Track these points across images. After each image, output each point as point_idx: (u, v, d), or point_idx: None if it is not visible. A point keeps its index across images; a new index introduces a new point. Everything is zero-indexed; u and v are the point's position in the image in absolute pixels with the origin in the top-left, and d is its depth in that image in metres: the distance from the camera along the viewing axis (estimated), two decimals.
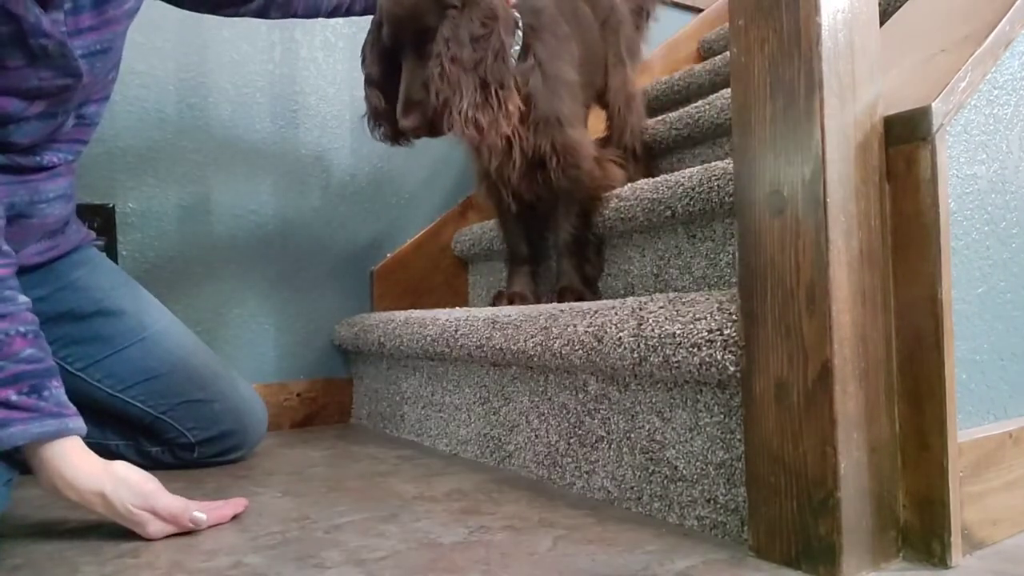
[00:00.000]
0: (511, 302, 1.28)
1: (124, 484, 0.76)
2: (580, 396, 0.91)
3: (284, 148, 1.54)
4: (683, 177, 1.06)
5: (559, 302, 1.11)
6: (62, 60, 0.85)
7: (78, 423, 0.77)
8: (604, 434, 0.87)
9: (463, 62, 1.00)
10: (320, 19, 1.59)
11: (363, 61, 1.15)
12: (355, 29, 1.64)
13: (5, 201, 0.86)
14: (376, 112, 1.12)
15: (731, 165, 0.97)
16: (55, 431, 0.74)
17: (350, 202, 1.60)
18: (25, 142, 0.90)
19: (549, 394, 0.96)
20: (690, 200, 1.04)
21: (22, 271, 0.82)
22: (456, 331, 1.10)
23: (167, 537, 0.78)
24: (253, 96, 1.51)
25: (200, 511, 0.79)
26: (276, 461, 1.16)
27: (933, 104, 0.64)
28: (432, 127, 1.03)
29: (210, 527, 0.80)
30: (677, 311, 0.76)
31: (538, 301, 1.29)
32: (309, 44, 1.58)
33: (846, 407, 0.61)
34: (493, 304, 1.30)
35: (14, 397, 0.73)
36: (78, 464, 0.75)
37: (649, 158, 1.50)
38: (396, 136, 1.12)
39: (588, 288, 1.22)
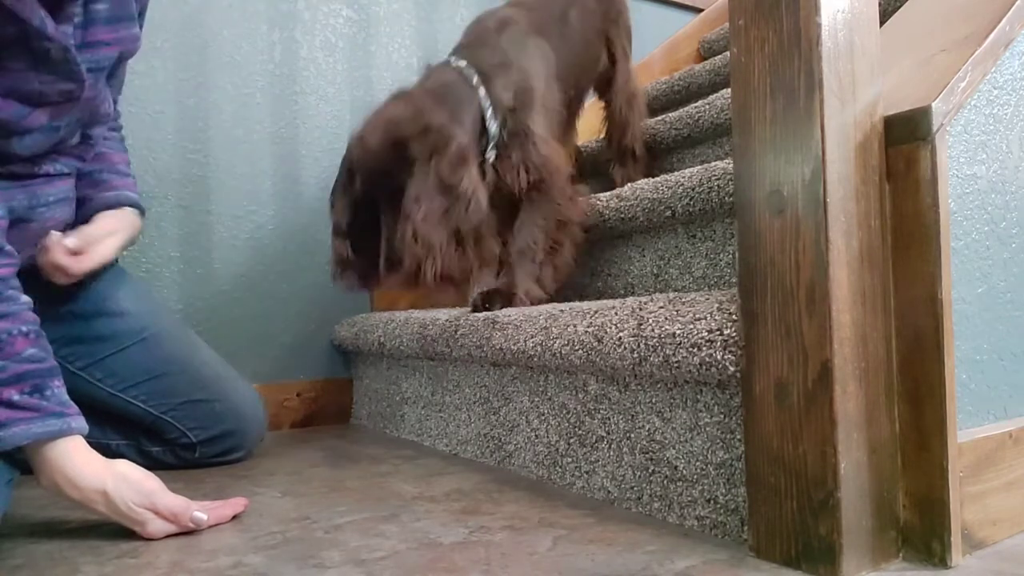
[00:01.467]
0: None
1: (126, 482, 0.76)
2: (580, 396, 0.91)
3: (284, 148, 1.54)
4: (683, 177, 1.06)
5: (486, 298, 1.10)
6: (64, 65, 0.85)
7: (80, 422, 0.77)
8: (604, 434, 0.87)
9: (433, 218, 0.95)
10: (320, 19, 1.60)
11: (331, 207, 1.07)
12: (355, 29, 1.65)
13: (4, 205, 0.86)
14: (342, 261, 1.04)
15: (731, 165, 0.97)
16: (57, 430, 0.74)
17: None
18: (25, 155, 0.90)
19: (549, 394, 0.96)
20: (690, 200, 1.04)
21: (23, 271, 0.82)
22: (456, 331, 1.10)
23: (167, 537, 0.78)
24: (253, 96, 1.51)
25: (201, 511, 0.79)
26: (276, 461, 1.16)
27: (933, 104, 0.64)
28: (409, 284, 0.98)
29: (210, 527, 0.80)
30: (677, 311, 0.76)
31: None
32: (309, 44, 1.58)
33: (846, 407, 0.61)
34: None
35: (16, 397, 0.73)
36: (80, 463, 0.75)
37: (650, 159, 1.48)
38: (364, 286, 1.05)
39: (528, 301, 1.12)
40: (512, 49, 1.16)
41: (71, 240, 0.99)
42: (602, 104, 1.48)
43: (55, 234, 0.97)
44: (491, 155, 1.11)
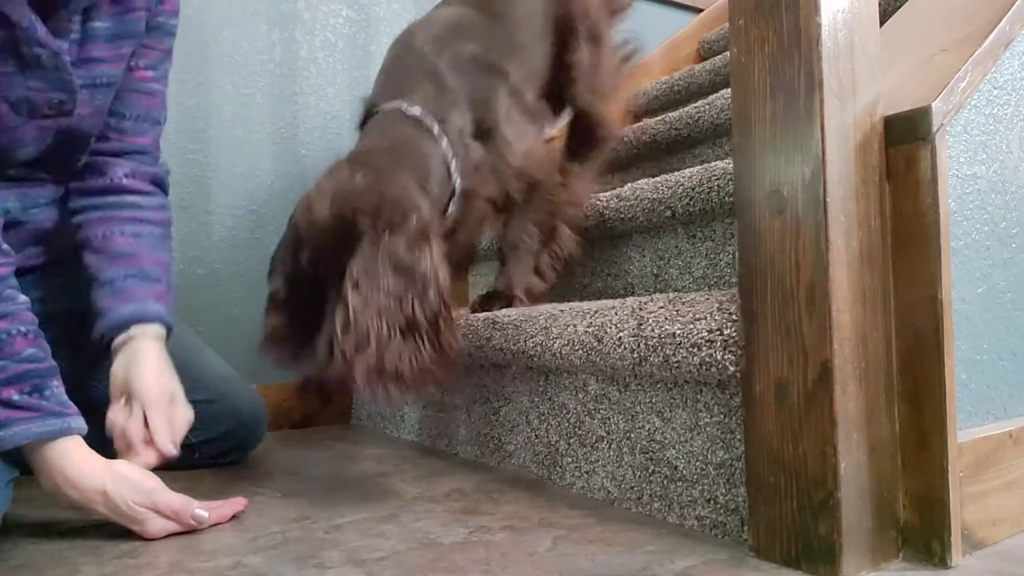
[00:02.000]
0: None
1: (125, 481, 0.76)
2: (580, 396, 0.91)
3: (284, 148, 1.54)
4: (683, 177, 1.06)
5: (484, 301, 1.06)
6: (55, 73, 0.84)
7: (79, 422, 0.77)
8: (604, 434, 0.87)
9: (377, 304, 0.80)
10: (320, 19, 1.60)
11: (270, 272, 0.94)
12: (355, 29, 1.65)
13: (0, 205, 0.86)
14: (275, 335, 0.90)
15: (731, 165, 0.97)
16: (57, 430, 0.74)
17: None
18: (21, 160, 0.90)
19: (549, 394, 0.96)
20: (690, 200, 1.04)
21: (20, 272, 0.81)
22: None
23: (167, 537, 0.78)
24: (253, 96, 1.51)
25: (202, 508, 0.79)
26: (276, 461, 1.16)
27: (933, 104, 0.64)
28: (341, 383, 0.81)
29: (210, 527, 0.80)
30: (677, 311, 0.76)
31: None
32: (309, 44, 1.58)
33: (846, 407, 0.61)
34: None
35: (16, 397, 0.73)
36: (79, 463, 0.75)
37: (614, 128, 1.34)
38: (295, 366, 0.90)
39: (528, 299, 1.09)
40: (463, 68, 1.03)
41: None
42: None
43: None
44: (453, 209, 1.00)
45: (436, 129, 0.96)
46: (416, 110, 0.96)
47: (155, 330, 0.94)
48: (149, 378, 0.89)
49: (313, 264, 0.86)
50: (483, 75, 1.05)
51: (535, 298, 1.11)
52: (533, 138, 1.11)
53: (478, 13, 1.12)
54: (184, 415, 0.91)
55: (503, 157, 1.03)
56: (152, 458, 0.84)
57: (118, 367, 0.90)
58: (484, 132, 1.02)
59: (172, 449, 0.86)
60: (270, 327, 0.91)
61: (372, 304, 0.79)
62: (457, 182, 0.97)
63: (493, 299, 1.07)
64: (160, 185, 1.05)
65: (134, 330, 0.92)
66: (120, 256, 0.96)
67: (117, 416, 0.88)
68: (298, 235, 0.88)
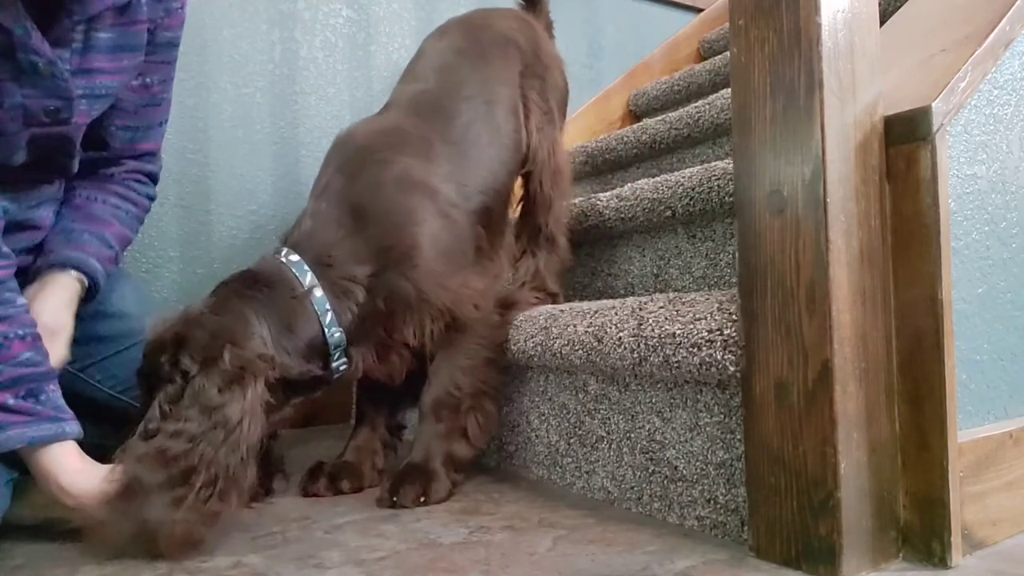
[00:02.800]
0: (333, 480, 0.96)
1: None
2: (580, 396, 0.91)
3: (284, 148, 1.54)
4: (683, 177, 1.06)
5: (392, 489, 0.88)
6: (51, 81, 0.84)
7: (74, 427, 0.76)
8: (604, 434, 0.87)
9: (165, 449, 0.72)
10: (320, 19, 1.60)
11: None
12: (355, 29, 1.65)
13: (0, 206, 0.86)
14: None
15: (731, 165, 0.97)
16: (51, 435, 0.74)
17: None
18: (18, 164, 0.90)
19: (549, 394, 0.96)
20: (690, 200, 1.04)
21: (20, 272, 0.81)
22: None
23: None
24: (253, 96, 1.51)
25: None
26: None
27: (933, 104, 0.64)
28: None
29: None
30: (677, 311, 0.76)
31: (372, 480, 0.99)
32: (309, 44, 1.58)
33: (846, 407, 0.61)
34: (305, 482, 0.97)
35: (11, 401, 0.73)
36: (74, 470, 0.75)
37: (569, 248, 1.20)
38: None
39: (451, 470, 0.91)
40: (370, 200, 0.92)
41: None
42: (521, 175, 1.18)
43: None
44: (340, 365, 0.90)
45: (308, 279, 0.87)
46: (293, 257, 0.88)
47: (80, 277, 0.94)
48: (44, 308, 0.87)
49: (144, 386, 0.82)
50: (406, 195, 0.93)
51: (461, 469, 0.94)
52: (466, 265, 0.97)
53: (419, 121, 1.02)
54: (58, 352, 0.87)
55: (421, 293, 0.90)
56: None
57: (30, 290, 0.90)
58: (397, 266, 0.90)
59: None
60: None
61: (153, 445, 0.72)
62: (335, 335, 0.87)
63: (405, 483, 0.88)
64: (154, 179, 1.09)
65: (63, 271, 0.93)
66: (91, 217, 0.99)
67: None
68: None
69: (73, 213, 0.99)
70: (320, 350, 0.87)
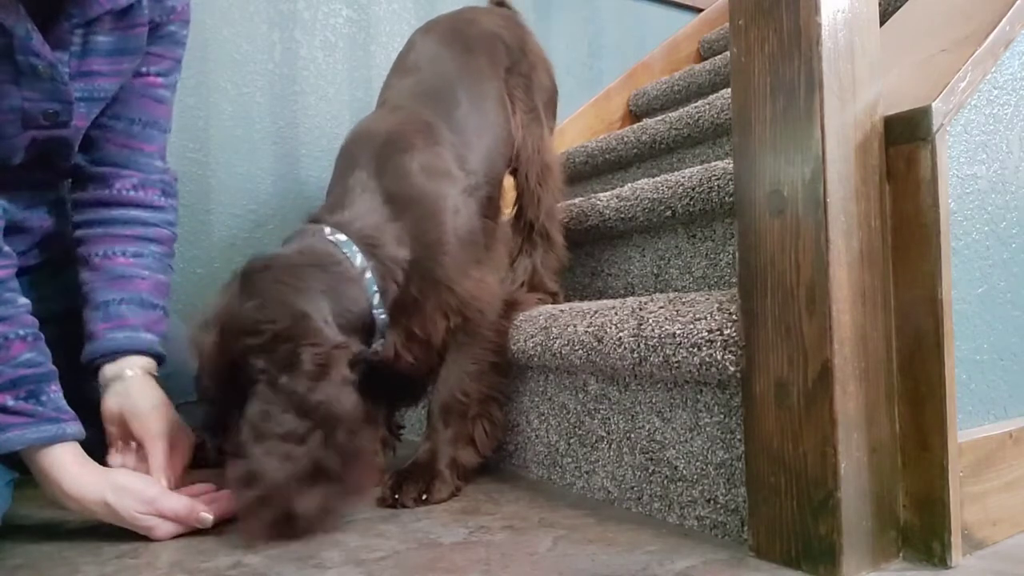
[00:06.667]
0: None
1: (127, 492, 0.75)
2: (580, 396, 0.91)
3: (284, 148, 1.54)
4: (683, 177, 1.06)
5: (395, 487, 0.88)
6: (50, 84, 0.84)
7: (76, 428, 0.76)
8: (604, 434, 0.87)
9: (280, 450, 0.74)
10: (320, 19, 1.60)
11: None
12: (355, 29, 1.65)
13: (1, 206, 0.85)
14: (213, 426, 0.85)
15: (731, 165, 0.97)
16: (52, 436, 0.74)
17: None
18: (16, 164, 0.90)
19: (549, 394, 0.96)
20: (690, 200, 1.04)
21: (21, 272, 0.81)
22: None
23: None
24: (253, 96, 1.51)
25: (206, 511, 0.78)
26: None
27: (933, 104, 0.64)
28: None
29: (213, 525, 0.80)
30: (677, 311, 0.76)
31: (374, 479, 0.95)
32: (309, 44, 1.58)
33: (846, 407, 0.61)
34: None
35: (11, 402, 0.72)
36: (76, 473, 0.75)
37: (566, 244, 1.21)
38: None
39: (455, 475, 0.91)
40: (401, 188, 0.93)
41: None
42: (510, 174, 1.19)
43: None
44: (378, 346, 0.91)
45: (359, 260, 0.87)
46: (341, 236, 0.87)
47: (145, 362, 0.90)
48: (150, 413, 0.85)
49: (216, 392, 0.82)
50: (433, 183, 0.94)
51: (465, 475, 0.93)
52: (479, 256, 0.98)
53: (426, 111, 1.02)
54: (187, 441, 0.88)
55: (449, 280, 0.91)
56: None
57: (111, 404, 0.86)
58: (422, 252, 0.91)
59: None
60: (212, 449, 0.86)
61: (274, 451, 0.74)
62: (380, 317, 0.88)
63: (409, 480, 0.88)
64: (168, 193, 1.02)
65: (123, 361, 0.88)
66: (118, 278, 0.93)
67: (119, 460, 0.85)
68: (197, 374, 0.83)
69: (97, 280, 0.94)
70: (369, 329, 0.88)
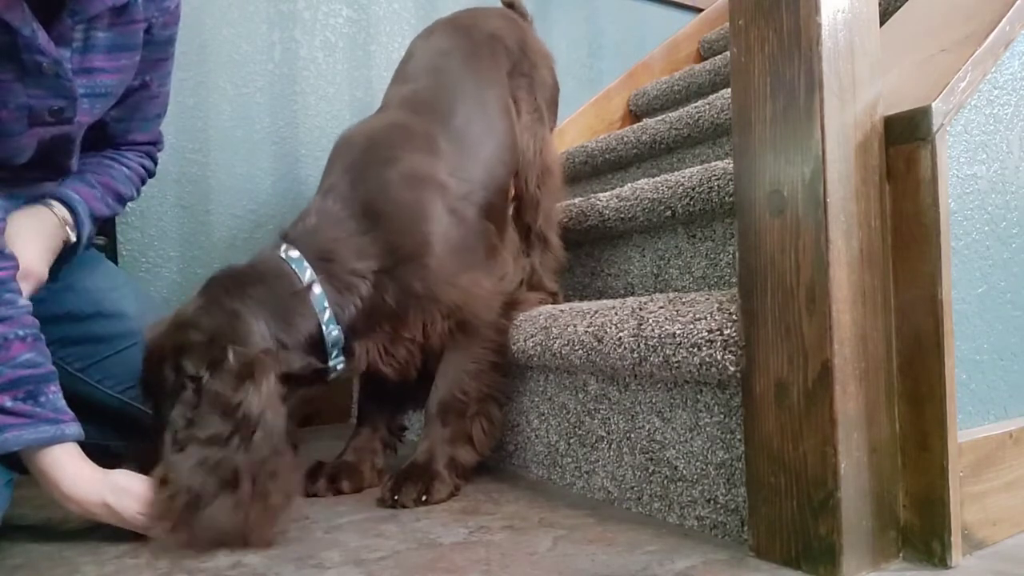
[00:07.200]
0: (332, 481, 0.96)
1: (127, 494, 0.75)
2: (580, 396, 0.91)
3: (284, 148, 1.54)
4: (683, 177, 1.06)
5: (394, 487, 0.87)
6: (55, 80, 0.84)
7: (74, 429, 0.76)
8: (604, 434, 0.87)
9: (197, 454, 0.74)
10: (320, 19, 1.60)
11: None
12: (355, 29, 1.65)
13: (2, 207, 0.85)
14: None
15: (731, 165, 0.97)
16: (50, 437, 0.74)
17: None
18: (20, 163, 0.90)
19: (549, 394, 0.96)
20: (690, 200, 1.04)
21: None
22: None
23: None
24: (253, 96, 1.51)
25: None
26: None
27: (933, 104, 0.64)
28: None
29: None
30: (677, 311, 0.76)
31: (372, 481, 0.99)
32: (309, 44, 1.58)
33: (846, 407, 0.61)
34: (305, 482, 0.94)
35: (9, 403, 0.72)
36: (76, 474, 0.75)
37: (563, 245, 1.20)
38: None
39: (454, 474, 0.91)
40: (377, 198, 0.92)
41: None
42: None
43: None
44: (338, 363, 0.89)
45: (307, 275, 0.86)
46: (293, 252, 0.87)
47: (60, 210, 0.91)
48: (25, 251, 0.84)
49: (149, 396, 0.83)
50: (414, 192, 0.93)
51: (463, 474, 0.93)
52: (476, 263, 0.96)
53: (420, 119, 1.02)
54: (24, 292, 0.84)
55: (430, 290, 0.90)
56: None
57: (10, 223, 0.86)
58: (407, 262, 0.90)
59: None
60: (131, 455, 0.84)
61: (191, 456, 0.73)
62: (332, 333, 0.87)
63: (407, 481, 0.88)
64: (152, 157, 1.10)
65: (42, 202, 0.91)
66: (80, 172, 0.99)
67: None
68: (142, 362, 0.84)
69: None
70: (320, 346, 0.87)
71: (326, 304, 0.86)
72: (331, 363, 0.89)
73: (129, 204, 1.33)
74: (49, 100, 0.86)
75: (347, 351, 0.90)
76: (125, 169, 1.05)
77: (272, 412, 0.77)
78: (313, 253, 0.88)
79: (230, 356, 0.77)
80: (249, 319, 0.82)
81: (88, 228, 0.95)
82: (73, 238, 0.93)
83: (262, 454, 0.75)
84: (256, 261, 0.89)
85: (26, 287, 0.84)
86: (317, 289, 0.86)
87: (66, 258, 0.94)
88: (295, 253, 0.87)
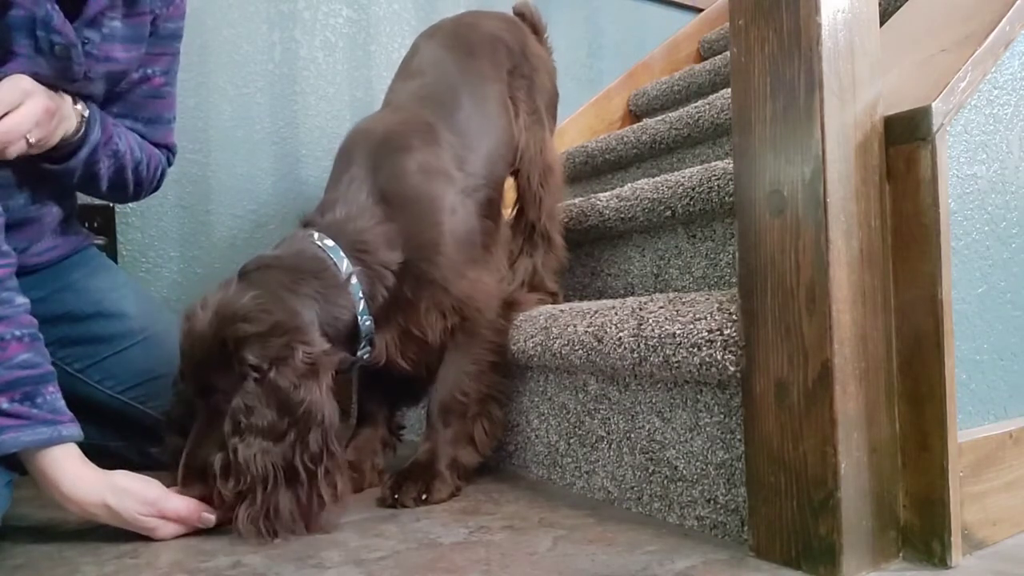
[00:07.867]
0: None
1: (127, 494, 0.75)
2: (580, 396, 0.91)
3: (284, 148, 1.54)
4: (683, 177, 1.06)
5: (395, 487, 0.88)
6: (65, 63, 0.86)
7: (73, 430, 0.75)
8: (604, 434, 0.87)
9: (261, 444, 0.75)
10: (320, 19, 1.60)
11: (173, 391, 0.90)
12: (355, 29, 1.65)
13: (1, 203, 0.86)
14: (173, 455, 0.84)
15: (731, 165, 0.97)
16: (47, 439, 0.73)
17: None
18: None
19: (549, 394, 0.96)
20: (690, 200, 1.04)
21: (21, 272, 0.81)
22: None
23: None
24: (253, 96, 1.51)
25: (208, 511, 0.78)
26: None
27: (933, 104, 0.64)
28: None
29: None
30: (677, 311, 0.76)
31: (372, 480, 0.99)
32: (309, 44, 1.58)
33: (846, 407, 0.61)
34: None
35: (5, 404, 0.72)
36: (75, 475, 0.74)
37: (566, 245, 1.21)
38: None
39: (455, 475, 0.91)
40: (396, 187, 0.93)
41: None
42: (511, 175, 1.18)
43: None
44: (364, 352, 0.91)
45: (345, 265, 0.87)
46: (328, 242, 0.88)
47: (77, 101, 0.90)
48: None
49: (194, 384, 0.82)
50: (429, 183, 0.94)
51: (465, 475, 0.93)
52: (476, 258, 0.98)
53: (427, 113, 1.02)
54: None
55: (444, 280, 0.91)
56: None
57: None
58: (423, 252, 0.91)
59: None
60: (168, 446, 0.86)
61: (253, 446, 0.75)
62: (366, 323, 0.88)
63: (408, 480, 0.88)
64: (167, 159, 1.13)
65: None
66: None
67: None
68: (182, 354, 0.83)
69: None
70: (354, 336, 0.88)
71: (361, 295, 0.88)
72: (359, 352, 0.90)
73: (130, 204, 1.34)
74: (60, 82, 0.87)
75: (370, 342, 0.92)
76: (141, 139, 1.05)
77: (330, 412, 0.79)
78: (346, 243, 0.88)
79: (298, 355, 0.78)
80: (306, 314, 0.83)
81: (96, 133, 0.93)
82: (81, 130, 0.91)
83: (315, 453, 0.77)
84: (295, 250, 0.88)
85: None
86: (354, 280, 0.87)
87: (67, 156, 0.91)
88: (331, 242, 0.88)
